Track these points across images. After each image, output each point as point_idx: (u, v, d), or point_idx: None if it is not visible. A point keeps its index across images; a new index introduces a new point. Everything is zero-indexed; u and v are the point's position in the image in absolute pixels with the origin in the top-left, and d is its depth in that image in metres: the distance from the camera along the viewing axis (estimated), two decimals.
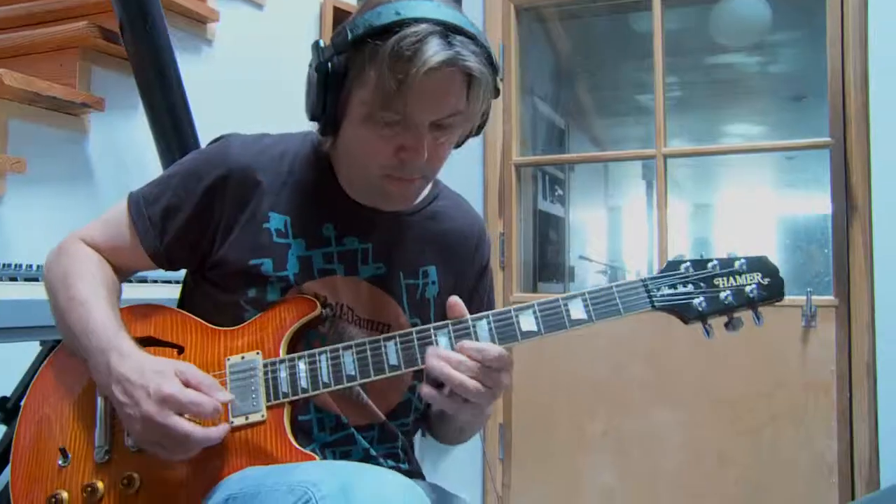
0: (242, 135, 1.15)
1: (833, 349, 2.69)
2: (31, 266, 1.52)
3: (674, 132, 3.34)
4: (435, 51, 0.92)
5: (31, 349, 1.68)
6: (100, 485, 0.98)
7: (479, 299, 1.23)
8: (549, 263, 4.10)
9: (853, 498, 2.59)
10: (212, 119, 2.09)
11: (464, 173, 3.13)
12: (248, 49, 2.56)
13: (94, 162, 2.03)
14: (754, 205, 7.27)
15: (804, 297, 2.68)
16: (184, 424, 0.93)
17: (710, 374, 2.83)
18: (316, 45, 1.00)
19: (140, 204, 1.12)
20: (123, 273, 1.16)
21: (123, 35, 1.92)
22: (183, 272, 1.21)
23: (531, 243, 3.65)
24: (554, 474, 3.04)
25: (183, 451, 0.95)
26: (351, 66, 0.97)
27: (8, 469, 1.04)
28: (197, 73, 2.22)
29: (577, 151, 4.87)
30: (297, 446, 0.99)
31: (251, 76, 2.54)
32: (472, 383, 0.95)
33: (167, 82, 1.94)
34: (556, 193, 4.17)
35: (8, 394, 1.66)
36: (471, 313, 1.04)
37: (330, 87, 0.99)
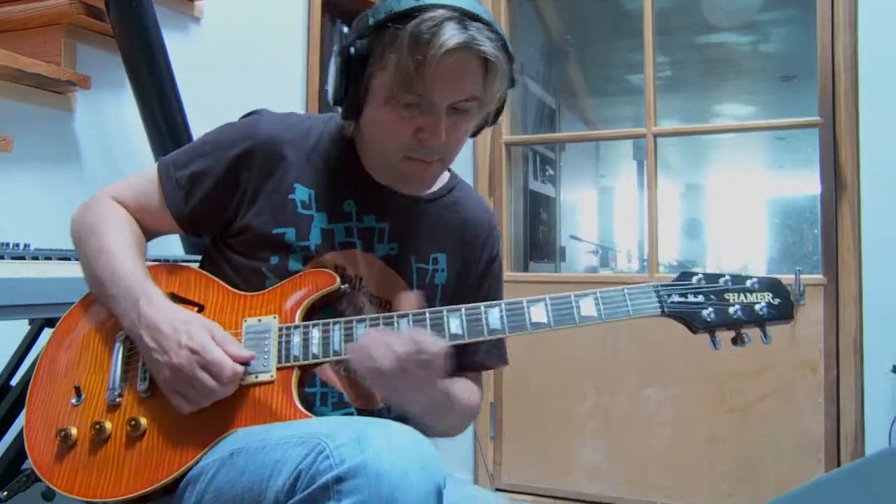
0: (272, 111, 1.19)
1: (821, 327, 2.71)
2: (17, 245, 1.51)
3: (664, 112, 3.34)
4: (451, 34, 0.96)
5: (20, 328, 1.67)
6: (108, 424, 1.02)
7: (485, 290, 1.26)
8: (539, 243, 4.11)
9: None
10: (199, 96, 2.08)
11: None
12: (236, 26, 2.54)
13: (81, 140, 2.02)
14: (744, 185, 7.29)
15: (793, 276, 2.70)
16: (210, 379, 0.98)
17: (699, 353, 2.85)
18: (340, 31, 1.07)
19: (169, 168, 1.16)
20: (148, 234, 1.19)
21: (109, 12, 1.90)
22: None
23: (522, 223, 3.65)
24: (544, 452, 3.07)
25: (199, 402, 0.99)
26: (372, 50, 1.02)
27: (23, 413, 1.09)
28: (184, 50, 2.20)
29: (568, 131, 4.86)
30: (302, 409, 1.01)
31: (239, 54, 2.52)
32: (385, 362, 0.94)
33: (154, 60, 1.92)
34: (547, 173, 4.17)
35: None
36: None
37: (352, 71, 1.03)
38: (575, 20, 4.35)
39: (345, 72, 1.03)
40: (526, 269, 3.71)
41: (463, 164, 3.18)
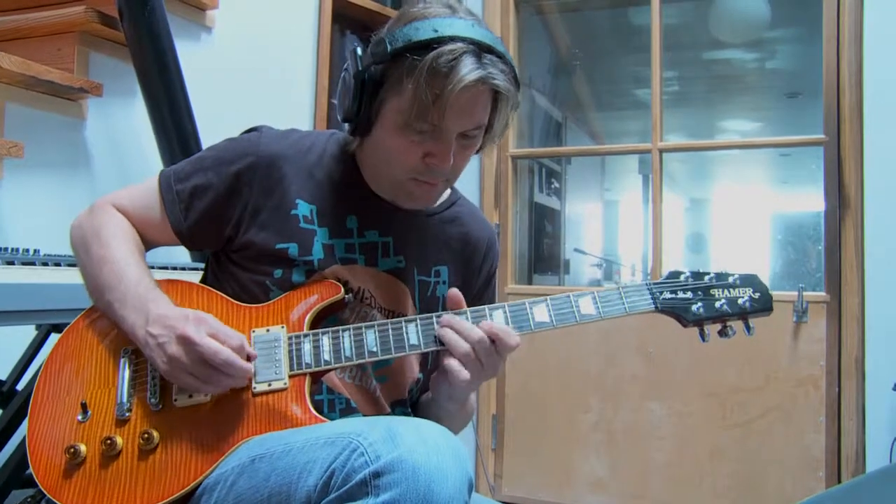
0: (273, 128, 1.21)
1: (823, 344, 2.71)
2: (28, 250, 1.52)
3: (670, 127, 3.36)
4: (469, 69, 1.00)
5: (28, 333, 1.69)
6: (118, 439, 1.00)
7: (485, 303, 1.26)
8: (544, 256, 4.12)
9: None
10: (210, 106, 2.10)
11: None
12: (247, 36, 2.56)
13: (92, 148, 2.03)
14: (749, 201, 7.31)
15: (796, 293, 2.70)
16: (216, 343, 0.98)
17: (701, 368, 2.85)
18: (354, 52, 1.07)
19: (170, 180, 1.17)
20: (148, 245, 1.20)
21: (122, 20, 1.92)
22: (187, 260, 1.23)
23: (527, 235, 3.66)
24: (546, 465, 3.07)
25: (209, 378, 0.99)
26: (388, 77, 1.05)
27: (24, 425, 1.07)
28: (196, 59, 2.22)
29: (574, 144, 4.88)
30: (316, 414, 1.01)
31: (250, 63, 2.54)
32: (474, 362, 1.03)
33: (166, 68, 1.94)
34: (553, 186, 4.18)
35: (4, 377, 1.67)
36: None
37: (366, 94, 1.06)
38: (583, 34, 4.38)
39: (358, 93, 1.06)
40: (530, 282, 3.72)
41: (469, 177, 3.20)
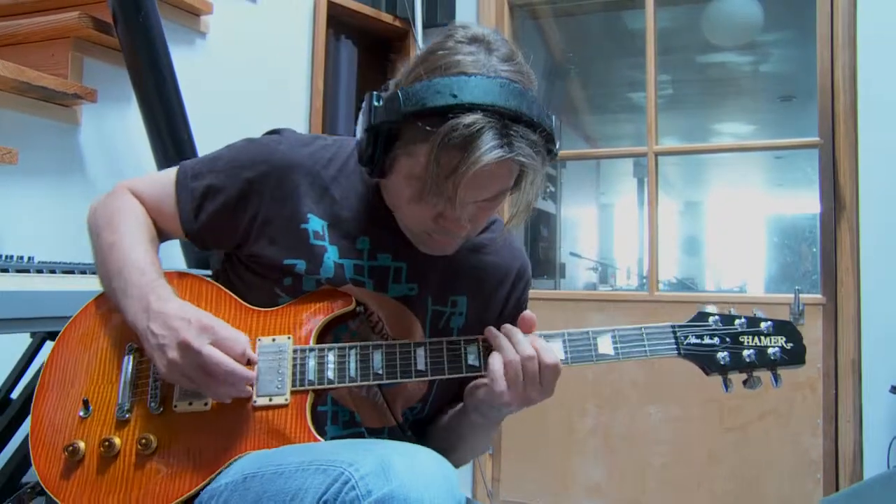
0: (297, 133, 1.16)
1: (820, 347, 2.71)
2: (21, 258, 1.51)
3: (665, 130, 3.36)
4: (488, 147, 0.89)
5: (22, 341, 1.68)
6: (117, 441, 1.00)
7: None
8: (539, 260, 4.12)
9: None
10: (204, 110, 2.10)
11: None
12: (241, 42, 2.56)
13: (86, 153, 2.03)
14: (744, 203, 7.32)
15: (792, 296, 2.70)
16: (218, 353, 0.95)
17: (698, 372, 2.85)
18: (370, 97, 0.98)
19: (187, 175, 1.14)
20: (162, 235, 1.17)
21: (116, 26, 1.92)
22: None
23: (522, 239, 3.66)
24: (543, 469, 3.06)
25: (208, 383, 0.97)
26: (401, 135, 0.97)
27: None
28: (190, 65, 2.22)
29: (569, 148, 4.88)
30: (315, 434, 0.99)
31: (244, 69, 2.54)
32: (516, 378, 1.00)
33: (160, 74, 1.94)
34: (548, 190, 4.19)
35: None
36: None
37: (379, 146, 0.98)
38: (577, 38, 4.39)
39: (371, 143, 0.98)
40: None
41: None
